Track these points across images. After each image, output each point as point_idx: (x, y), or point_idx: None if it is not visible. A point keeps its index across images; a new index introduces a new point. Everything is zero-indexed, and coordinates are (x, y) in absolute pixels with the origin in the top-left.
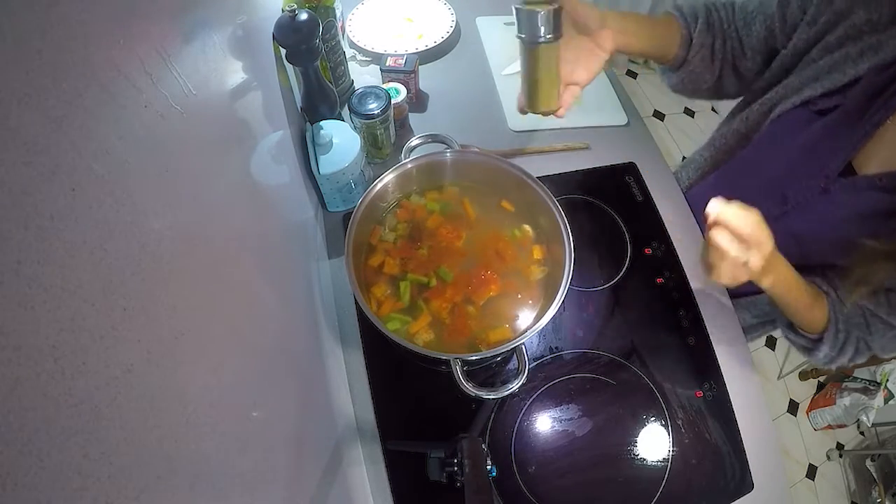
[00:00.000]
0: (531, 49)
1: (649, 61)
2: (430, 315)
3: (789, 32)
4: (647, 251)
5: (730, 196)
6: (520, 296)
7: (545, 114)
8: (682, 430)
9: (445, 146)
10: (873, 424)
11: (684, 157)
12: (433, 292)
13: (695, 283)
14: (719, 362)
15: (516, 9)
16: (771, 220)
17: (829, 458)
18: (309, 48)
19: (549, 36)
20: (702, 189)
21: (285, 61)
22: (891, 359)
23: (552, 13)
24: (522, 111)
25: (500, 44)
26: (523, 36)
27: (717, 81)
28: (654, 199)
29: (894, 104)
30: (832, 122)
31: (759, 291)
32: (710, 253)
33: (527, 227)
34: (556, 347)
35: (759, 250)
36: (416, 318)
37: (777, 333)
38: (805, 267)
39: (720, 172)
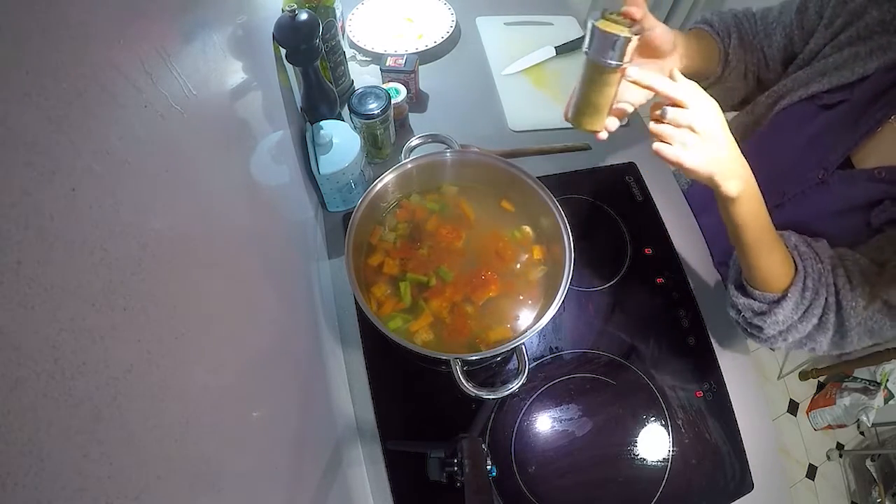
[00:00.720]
0: (594, 69)
1: None
2: (431, 315)
3: (807, 38)
4: (647, 251)
5: None
6: (520, 296)
7: (587, 131)
8: (682, 430)
9: (445, 146)
10: (873, 424)
11: None
12: (433, 292)
13: (695, 283)
14: (719, 362)
15: (592, 25)
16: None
17: (829, 458)
18: (309, 48)
19: (618, 63)
20: (702, 185)
21: (285, 61)
22: (891, 359)
23: (627, 41)
24: (566, 118)
25: (500, 44)
26: (590, 53)
27: (746, 94)
28: (654, 199)
29: None
30: (835, 117)
31: None
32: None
33: (527, 228)
34: (556, 347)
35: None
36: (417, 318)
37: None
38: None
39: None
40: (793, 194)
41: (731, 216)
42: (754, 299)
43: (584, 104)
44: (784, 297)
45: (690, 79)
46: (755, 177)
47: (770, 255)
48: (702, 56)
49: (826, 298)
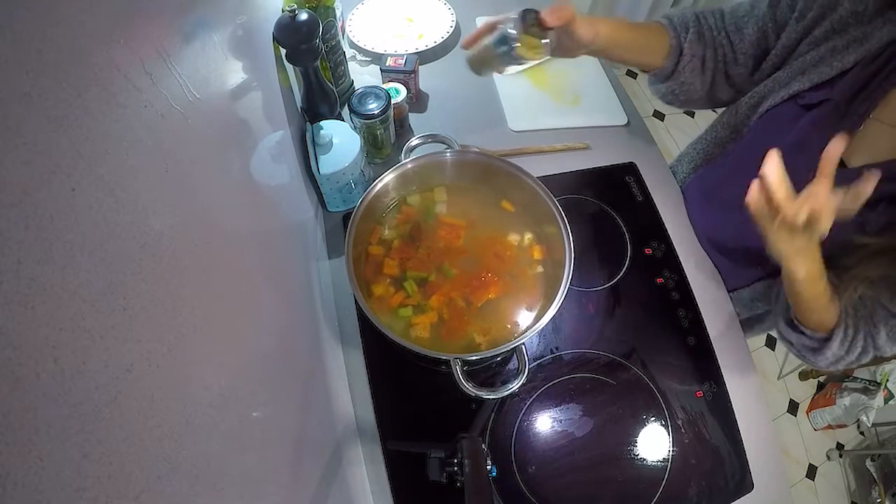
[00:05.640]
0: (494, 59)
1: None
2: (435, 314)
3: (779, 31)
4: (647, 251)
5: (719, 194)
6: (520, 296)
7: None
8: (682, 430)
9: (445, 146)
10: (873, 424)
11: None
12: (433, 287)
13: (695, 284)
14: (719, 362)
15: (511, 44)
16: None
17: (829, 458)
18: (309, 48)
19: (516, 69)
20: (693, 183)
21: (285, 61)
22: (891, 358)
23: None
24: (464, 47)
25: None
26: (496, 53)
27: (709, 90)
28: (654, 199)
29: (879, 96)
30: (820, 117)
31: (745, 286)
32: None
33: (526, 228)
34: (556, 347)
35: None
36: (424, 312)
37: (774, 333)
38: None
39: (711, 168)
40: None
41: (792, 286)
42: (805, 335)
43: (478, 64)
44: (830, 338)
45: (631, 67)
46: (744, 182)
47: (820, 312)
48: (642, 49)
49: (865, 333)
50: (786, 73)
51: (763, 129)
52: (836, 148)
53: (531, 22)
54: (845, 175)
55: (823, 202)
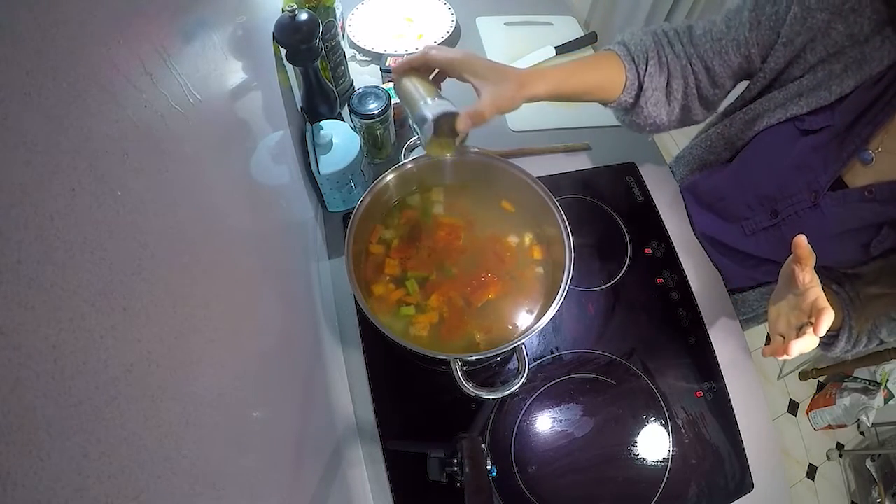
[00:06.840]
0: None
1: None
2: (435, 314)
3: (764, 54)
4: (647, 251)
5: (719, 204)
6: (520, 296)
7: None
8: (682, 430)
9: None
10: (873, 424)
11: None
12: (434, 286)
13: (695, 284)
14: (719, 362)
15: (424, 142)
16: (762, 230)
17: (829, 458)
18: (309, 48)
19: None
20: (691, 186)
21: (285, 61)
22: (891, 359)
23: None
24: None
25: (500, 44)
26: (417, 141)
27: (680, 115)
28: (654, 199)
29: (881, 120)
30: (821, 142)
31: (748, 289)
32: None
33: (526, 228)
34: (556, 347)
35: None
36: (424, 312)
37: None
38: None
39: (708, 175)
40: (786, 215)
41: None
42: None
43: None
44: (837, 335)
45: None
46: (742, 199)
47: None
48: (592, 91)
49: (868, 331)
50: (782, 94)
51: (761, 148)
52: (802, 245)
53: (445, 126)
54: (846, 197)
55: (813, 302)
